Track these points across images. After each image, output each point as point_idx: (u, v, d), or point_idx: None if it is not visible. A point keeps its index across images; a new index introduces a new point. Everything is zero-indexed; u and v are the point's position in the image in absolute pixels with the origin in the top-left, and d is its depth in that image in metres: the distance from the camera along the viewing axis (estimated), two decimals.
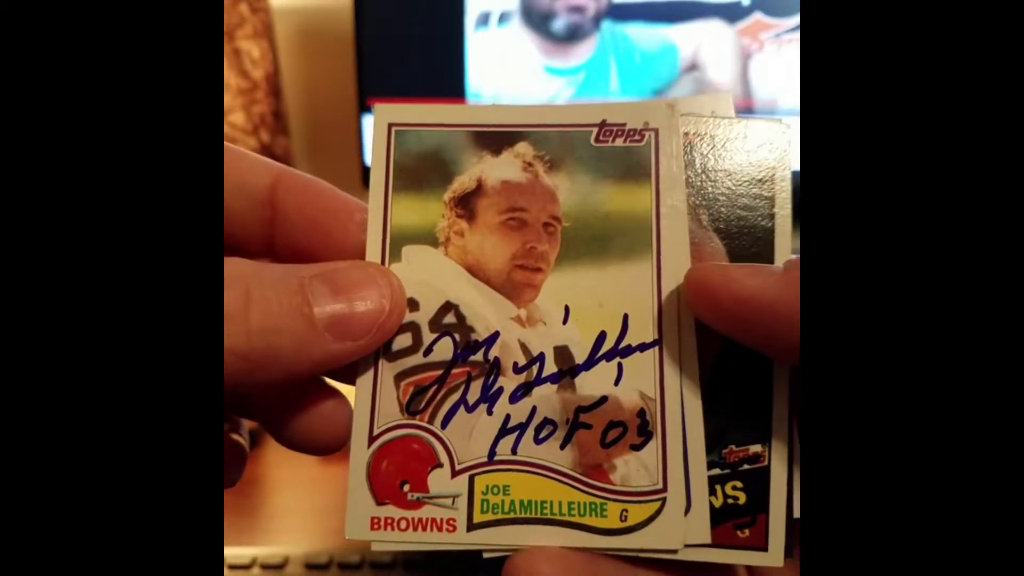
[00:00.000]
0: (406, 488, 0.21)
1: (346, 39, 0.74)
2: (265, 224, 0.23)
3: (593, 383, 0.21)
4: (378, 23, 0.71)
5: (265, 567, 0.56)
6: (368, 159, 0.75)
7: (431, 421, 0.21)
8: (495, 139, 0.23)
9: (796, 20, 0.67)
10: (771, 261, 0.22)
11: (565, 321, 0.22)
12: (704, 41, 0.69)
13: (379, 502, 0.21)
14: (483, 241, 0.22)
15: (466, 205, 0.23)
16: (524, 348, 0.22)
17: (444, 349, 0.22)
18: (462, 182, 0.23)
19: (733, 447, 0.21)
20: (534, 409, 0.21)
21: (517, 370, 0.22)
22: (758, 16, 0.68)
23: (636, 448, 0.21)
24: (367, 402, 0.22)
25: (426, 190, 0.23)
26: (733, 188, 0.22)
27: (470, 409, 0.21)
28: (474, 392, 0.22)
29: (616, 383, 0.21)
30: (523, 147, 0.23)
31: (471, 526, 0.21)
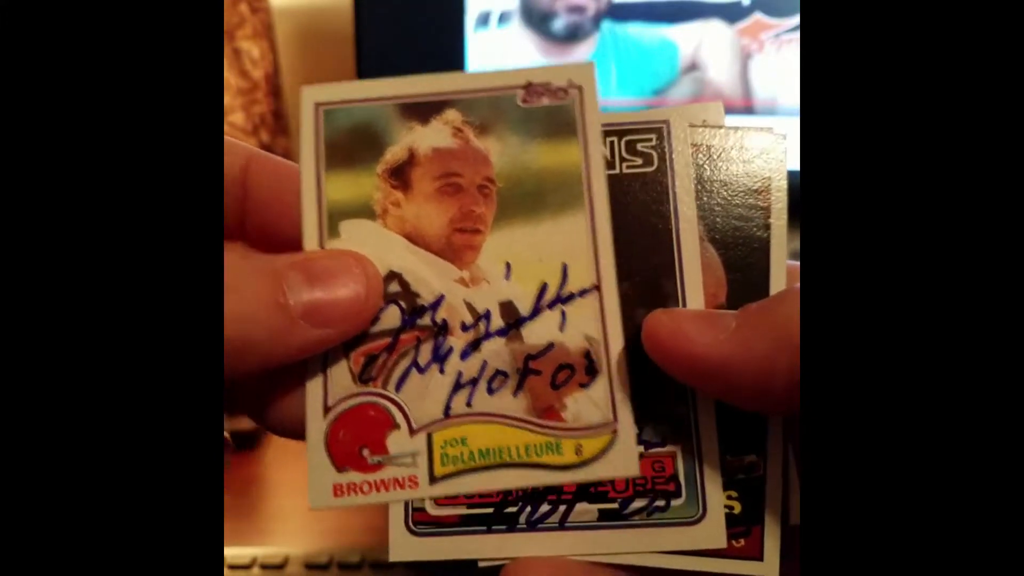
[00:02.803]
0: (365, 452, 0.22)
1: (346, 39, 0.74)
2: (237, 205, 0.24)
3: (539, 332, 0.22)
4: (378, 23, 0.71)
5: (265, 567, 0.56)
6: None
7: (385, 387, 0.22)
8: (423, 110, 0.23)
9: (796, 20, 0.67)
10: (767, 271, 0.22)
11: (507, 277, 0.22)
12: (704, 41, 0.69)
13: (339, 469, 0.22)
14: (420, 209, 0.23)
15: (400, 176, 0.23)
16: (470, 307, 0.22)
17: (391, 317, 0.22)
18: (394, 153, 0.23)
19: (728, 457, 0.21)
20: (485, 363, 0.22)
21: (465, 328, 0.22)
22: (758, 16, 0.68)
23: (585, 386, 0.22)
24: (318, 376, 0.22)
25: (358, 165, 0.23)
26: (729, 198, 0.22)
27: (422, 371, 0.22)
28: (425, 354, 0.22)
29: (561, 329, 0.22)
30: (451, 114, 0.23)
31: (433, 479, 0.21)
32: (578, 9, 0.69)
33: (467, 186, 0.23)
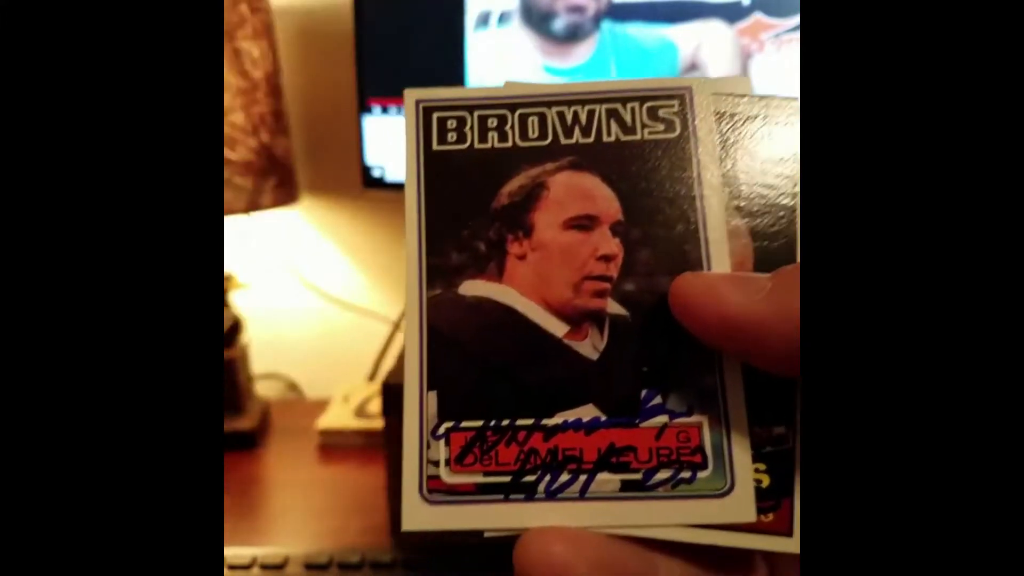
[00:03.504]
0: None
1: (346, 39, 0.74)
2: None
3: None
4: (378, 23, 0.71)
5: (265, 567, 0.56)
6: (368, 159, 0.75)
7: None
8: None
9: (796, 20, 0.67)
10: (793, 240, 0.22)
11: None
12: (704, 41, 0.69)
13: None
14: None
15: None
16: None
17: None
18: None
19: (756, 428, 0.21)
20: None
21: None
22: (758, 16, 0.68)
23: None
24: None
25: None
26: (754, 166, 0.22)
27: None
28: None
29: None
30: None
31: None
32: (578, 9, 0.69)
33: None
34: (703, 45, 0.69)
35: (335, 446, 0.74)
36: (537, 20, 0.70)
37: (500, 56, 0.71)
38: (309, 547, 0.58)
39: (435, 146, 0.23)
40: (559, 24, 0.70)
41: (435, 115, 0.23)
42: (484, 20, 0.70)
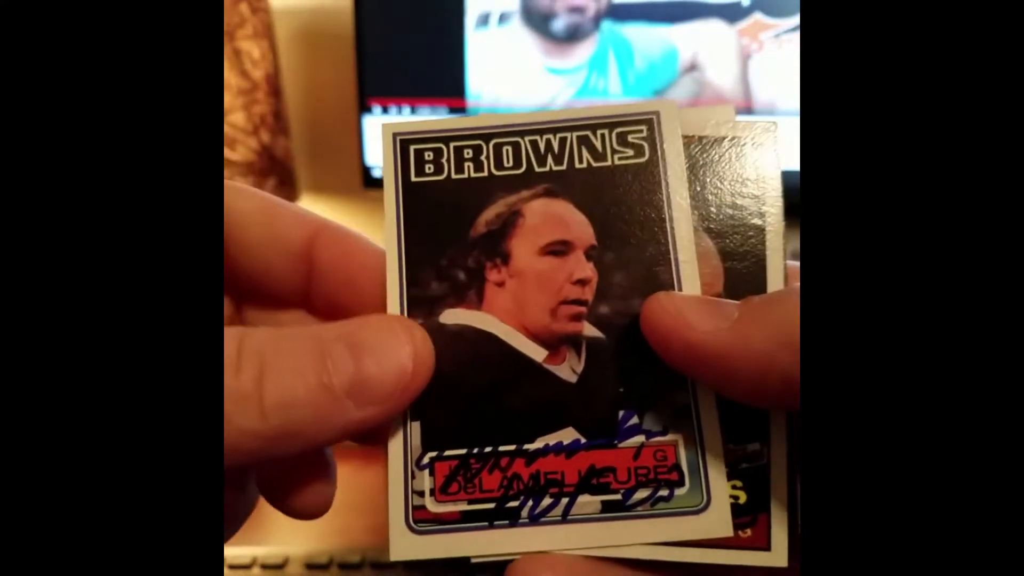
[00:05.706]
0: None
1: (346, 39, 0.74)
2: (302, 278, 0.24)
3: None
4: (378, 23, 0.71)
5: (265, 567, 0.56)
6: (368, 159, 0.75)
7: None
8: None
9: (796, 20, 0.67)
10: (763, 260, 0.22)
11: None
12: (704, 41, 0.69)
13: None
14: None
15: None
16: None
17: None
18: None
19: (731, 445, 0.21)
20: None
21: None
22: (758, 16, 0.68)
23: None
24: None
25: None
26: (722, 187, 0.22)
27: None
28: None
29: None
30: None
31: None
32: (578, 9, 0.69)
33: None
34: (703, 45, 0.69)
35: (335, 446, 0.74)
36: (537, 20, 0.70)
37: (500, 56, 0.71)
38: (309, 547, 0.58)
39: (413, 178, 0.23)
40: (559, 24, 0.70)
41: (412, 147, 0.23)
42: (484, 20, 0.70)
